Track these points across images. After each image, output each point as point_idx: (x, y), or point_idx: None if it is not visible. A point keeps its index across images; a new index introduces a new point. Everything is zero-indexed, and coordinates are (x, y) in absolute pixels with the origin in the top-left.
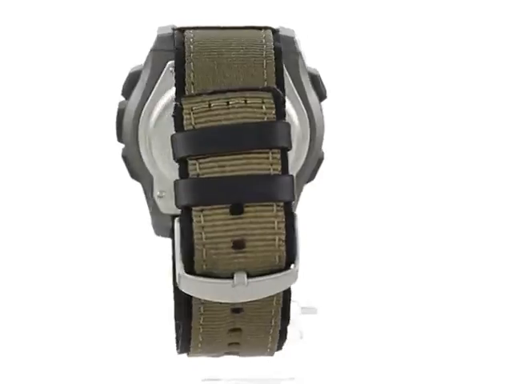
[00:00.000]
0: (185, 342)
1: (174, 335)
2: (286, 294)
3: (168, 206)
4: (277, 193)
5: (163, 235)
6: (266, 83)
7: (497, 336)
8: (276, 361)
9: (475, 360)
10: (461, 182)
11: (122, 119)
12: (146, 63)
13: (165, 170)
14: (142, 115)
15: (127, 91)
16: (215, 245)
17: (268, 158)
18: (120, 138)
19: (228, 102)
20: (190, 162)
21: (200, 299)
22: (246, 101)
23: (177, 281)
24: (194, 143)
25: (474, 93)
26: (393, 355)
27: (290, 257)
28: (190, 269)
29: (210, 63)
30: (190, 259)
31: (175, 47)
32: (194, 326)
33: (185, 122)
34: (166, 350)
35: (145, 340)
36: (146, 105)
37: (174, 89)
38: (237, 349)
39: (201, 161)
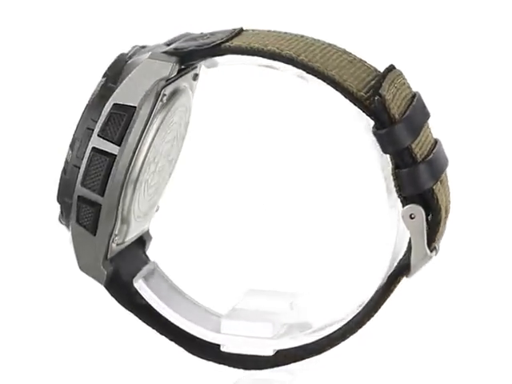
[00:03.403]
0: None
1: None
2: None
3: (115, 250)
4: (446, 155)
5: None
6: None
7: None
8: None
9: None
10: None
11: (110, 171)
12: (145, 97)
13: (129, 213)
14: (133, 163)
15: (120, 135)
16: (444, 218)
17: (429, 126)
18: (102, 192)
19: (395, 86)
20: (413, 147)
21: None
22: (397, 80)
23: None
24: (408, 129)
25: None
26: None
27: None
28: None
29: (327, 61)
30: (433, 239)
31: (281, 58)
32: None
33: (392, 112)
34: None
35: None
36: (138, 149)
37: (156, 122)
38: None
39: (416, 142)
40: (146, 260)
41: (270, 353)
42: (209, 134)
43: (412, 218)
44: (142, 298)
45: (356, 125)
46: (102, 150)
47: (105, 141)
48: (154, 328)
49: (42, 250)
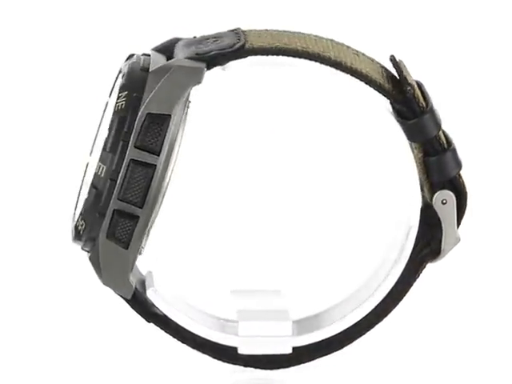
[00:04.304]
0: None
1: None
2: None
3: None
4: None
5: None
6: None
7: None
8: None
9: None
10: None
11: (150, 182)
12: (179, 104)
13: (153, 223)
14: (167, 172)
15: (159, 146)
16: None
17: None
18: (142, 205)
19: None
20: (441, 134)
21: None
22: (406, 70)
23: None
24: (434, 118)
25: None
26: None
27: None
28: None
29: (347, 57)
30: (460, 223)
31: (308, 55)
32: None
33: (421, 101)
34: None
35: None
36: (171, 158)
37: (182, 129)
38: None
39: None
40: (138, 269)
41: (289, 351)
42: (230, 136)
43: (444, 204)
44: (157, 308)
45: (381, 115)
46: (142, 162)
47: (144, 152)
48: (175, 337)
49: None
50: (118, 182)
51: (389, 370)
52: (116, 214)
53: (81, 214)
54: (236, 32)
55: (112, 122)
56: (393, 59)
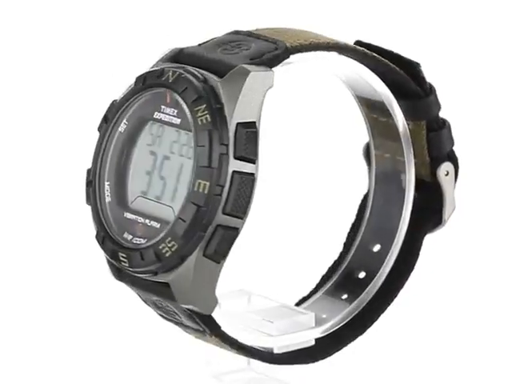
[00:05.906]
0: None
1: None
2: None
3: None
4: None
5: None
6: None
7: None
8: None
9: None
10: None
11: (252, 191)
12: (261, 108)
13: None
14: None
15: (256, 154)
16: None
17: None
18: (243, 216)
19: None
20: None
21: None
22: None
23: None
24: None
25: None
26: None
27: None
28: None
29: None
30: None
31: (345, 50)
32: None
33: (428, 81)
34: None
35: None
36: None
37: None
38: None
39: None
40: None
41: (312, 343)
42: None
43: (446, 175)
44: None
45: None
46: (244, 172)
47: (243, 162)
48: (232, 347)
49: None
50: (223, 196)
51: (390, 368)
52: (219, 229)
53: (169, 234)
54: (247, 34)
55: (201, 136)
56: (378, 46)
